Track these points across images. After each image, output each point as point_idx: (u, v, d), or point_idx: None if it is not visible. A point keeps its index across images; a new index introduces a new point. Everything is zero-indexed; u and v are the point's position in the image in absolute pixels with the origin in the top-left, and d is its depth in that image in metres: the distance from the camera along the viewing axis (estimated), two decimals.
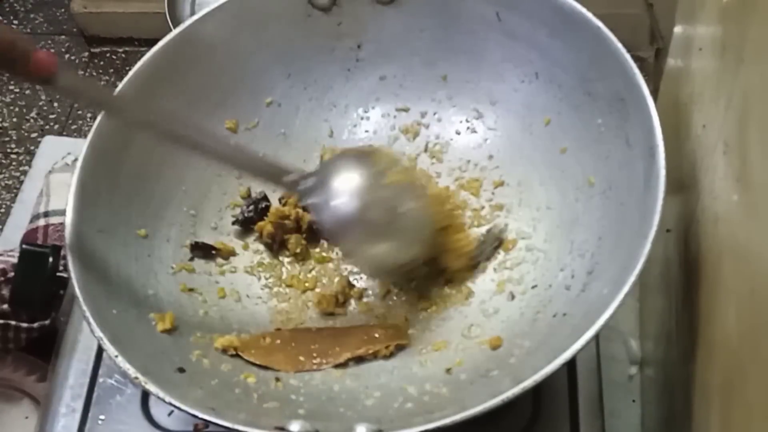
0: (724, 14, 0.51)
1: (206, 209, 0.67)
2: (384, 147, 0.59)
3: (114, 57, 1.64)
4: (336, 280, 0.64)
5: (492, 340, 0.57)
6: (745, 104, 0.44)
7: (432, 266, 0.62)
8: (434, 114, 0.69)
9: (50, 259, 0.62)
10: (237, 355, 0.58)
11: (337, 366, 0.58)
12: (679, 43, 0.66)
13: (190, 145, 0.57)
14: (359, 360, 0.58)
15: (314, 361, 0.58)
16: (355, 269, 0.65)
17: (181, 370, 0.54)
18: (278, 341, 0.59)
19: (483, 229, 0.64)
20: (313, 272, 0.65)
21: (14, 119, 1.56)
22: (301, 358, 0.58)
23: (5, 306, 0.65)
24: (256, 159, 0.60)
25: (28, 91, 1.60)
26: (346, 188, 0.55)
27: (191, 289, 0.62)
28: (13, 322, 0.66)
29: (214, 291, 0.63)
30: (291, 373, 0.58)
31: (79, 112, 1.56)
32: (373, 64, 0.69)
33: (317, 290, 0.64)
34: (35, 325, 0.67)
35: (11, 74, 0.49)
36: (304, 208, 0.65)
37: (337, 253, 0.66)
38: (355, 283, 0.64)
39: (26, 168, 1.35)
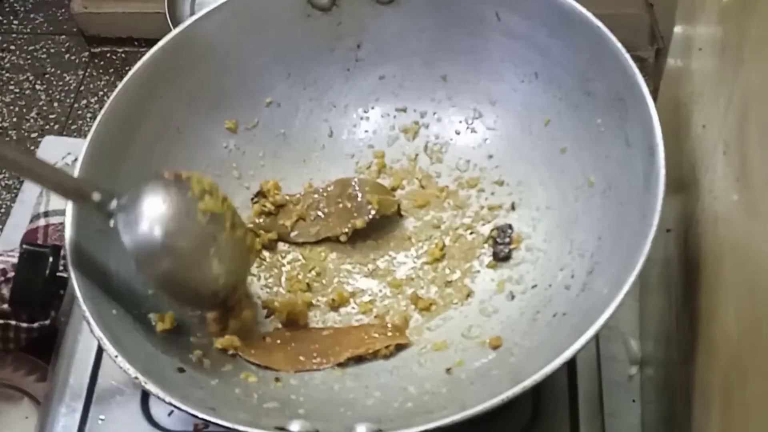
0: (723, 14, 0.51)
1: None
2: (198, 174, 0.57)
3: (114, 57, 1.64)
4: (335, 280, 0.64)
5: (492, 340, 0.57)
6: (745, 104, 0.44)
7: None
8: (434, 114, 0.69)
9: (50, 259, 0.62)
10: (237, 355, 0.58)
11: (338, 366, 0.58)
12: (678, 43, 0.66)
13: None
14: (359, 360, 0.58)
15: (314, 361, 0.58)
16: (354, 270, 0.65)
17: (181, 370, 0.54)
18: (278, 341, 0.59)
19: (487, 228, 0.64)
20: (313, 272, 0.65)
21: (14, 119, 1.56)
22: (301, 358, 0.58)
23: (5, 306, 0.65)
24: (54, 173, 0.54)
25: (28, 91, 1.60)
26: (156, 214, 0.52)
27: None
28: (13, 322, 0.65)
29: None
30: (291, 373, 0.58)
31: (79, 112, 1.56)
32: (373, 64, 0.69)
33: (316, 291, 0.64)
34: (35, 325, 0.67)
35: None
36: None
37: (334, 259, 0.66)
38: (354, 283, 0.64)
39: None
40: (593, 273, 0.55)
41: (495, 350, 0.56)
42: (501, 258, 0.62)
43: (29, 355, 0.70)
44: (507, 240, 0.62)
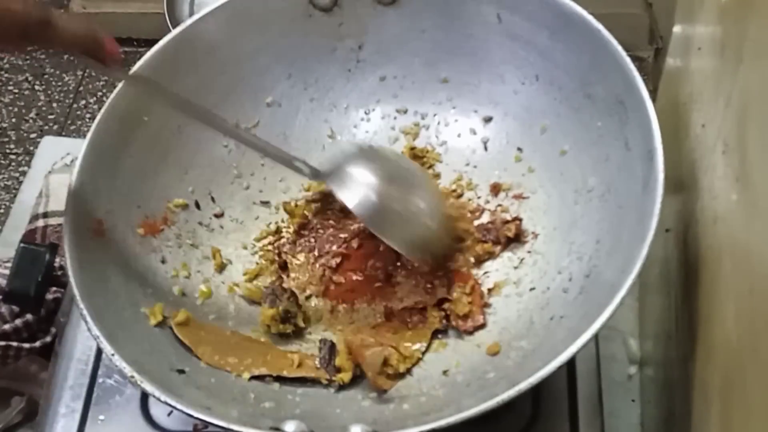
0: (723, 14, 0.51)
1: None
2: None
3: None
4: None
5: (490, 346, 0.57)
6: (745, 104, 0.44)
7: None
8: (434, 115, 0.69)
9: (47, 257, 0.62)
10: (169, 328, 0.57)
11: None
12: (678, 42, 0.66)
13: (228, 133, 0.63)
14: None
15: (231, 366, 0.57)
16: None
17: (179, 369, 0.54)
18: (218, 336, 0.59)
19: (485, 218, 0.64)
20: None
21: (13, 119, 1.56)
22: (227, 358, 0.57)
23: (6, 326, 0.65)
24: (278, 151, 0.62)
25: (27, 92, 1.60)
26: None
27: (187, 290, 0.62)
28: (14, 344, 0.65)
29: (211, 291, 0.63)
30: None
31: (78, 113, 1.56)
32: (374, 64, 0.69)
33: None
34: (37, 344, 0.67)
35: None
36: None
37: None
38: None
39: (25, 169, 1.35)
40: (591, 276, 0.54)
41: (492, 352, 0.56)
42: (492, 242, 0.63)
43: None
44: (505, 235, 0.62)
